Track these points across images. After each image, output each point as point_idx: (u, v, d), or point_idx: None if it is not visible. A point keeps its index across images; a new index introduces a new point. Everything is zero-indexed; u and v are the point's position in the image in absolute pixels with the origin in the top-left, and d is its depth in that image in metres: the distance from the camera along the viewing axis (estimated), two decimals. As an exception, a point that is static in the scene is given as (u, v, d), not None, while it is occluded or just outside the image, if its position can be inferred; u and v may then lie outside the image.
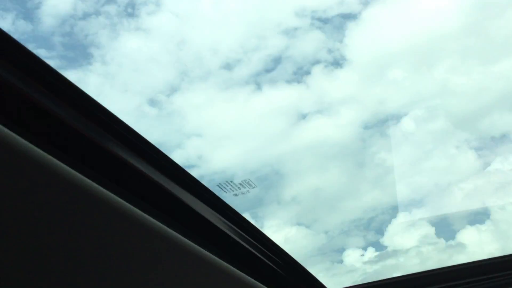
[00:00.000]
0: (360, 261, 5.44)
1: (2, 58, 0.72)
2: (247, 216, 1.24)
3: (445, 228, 5.24)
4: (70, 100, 0.81)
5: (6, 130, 0.69)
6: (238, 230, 1.22)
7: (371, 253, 5.42)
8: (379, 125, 5.92)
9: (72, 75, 0.83)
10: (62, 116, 0.80)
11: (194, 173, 1.06)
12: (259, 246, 1.30)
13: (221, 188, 1.32)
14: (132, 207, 0.97)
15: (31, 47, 0.75)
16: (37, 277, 0.77)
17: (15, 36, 0.73)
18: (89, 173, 0.88)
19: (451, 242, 5.12)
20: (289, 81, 5.94)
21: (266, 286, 1.44)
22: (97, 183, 0.89)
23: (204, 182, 1.09)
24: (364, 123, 5.91)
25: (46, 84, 0.78)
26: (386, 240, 5.41)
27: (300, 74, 5.91)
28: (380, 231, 5.61)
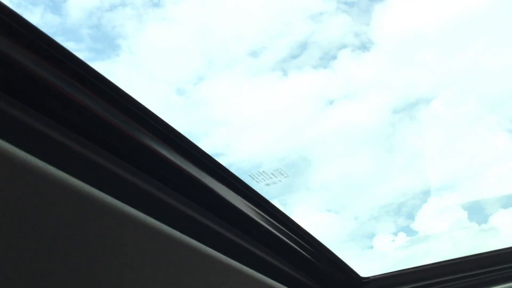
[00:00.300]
0: (391, 247, 5.39)
1: (33, 52, 0.73)
2: (276, 203, 1.24)
3: (477, 212, 5.14)
4: (100, 91, 0.82)
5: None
6: (269, 218, 1.22)
7: (402, 238, 5.36)
8: (409, 109, 5.81)
9: (100, 67, 0.83)
10: (93, 107, 0.81)
11: (222, 161, 1.06)
12: (290, 233, 1.30)
13: (253, 178, 1.33)
14: (162, 194, 0.98)
15: (60, 40, 0.76)
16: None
17: (44, 29, 0.74)
18: (118, 163, 0.89)
19: (484, 227, 5.02)
20: (315, 67, 5.88)
21: (297, 274, 1.44)
22: (128, 174, 0.90)
23: (232, 170, 1.10)
24: (393, 107, 5.81)
25: (76, 76, 0.79)
26: (417, 225, 5.34)
27: (326, 60, 5.84)
28: (411, 216, 5.54)
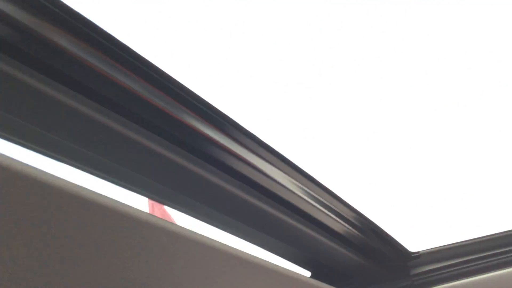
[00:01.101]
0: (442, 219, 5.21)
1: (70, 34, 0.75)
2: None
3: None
4: (140, 72, 0.84)
5: None
6: (312, 192, 1.23)
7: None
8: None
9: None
10: (133, 88, 0.83)
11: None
12: (336, 210, 1.30)
13: None
14: (205, 173, 1.01)
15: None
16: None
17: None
18: (164, 144, 0.92)
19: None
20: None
21: (348, 252, 1.44)
22: (173, 154, 0.93)
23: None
24: None
25: (115, 56, 0.80)
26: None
27: None
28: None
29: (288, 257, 1.51)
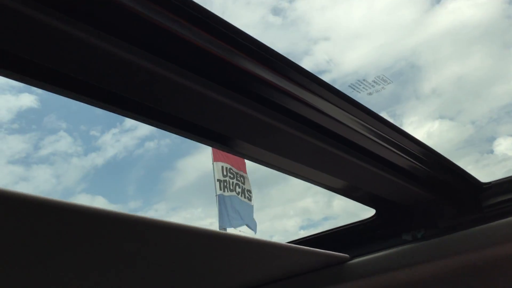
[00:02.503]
0: (513, 149, 5.02)
1: None
2: (384, 115, 1.20)
3: None
4: (197, 20, 0.83)
5: None
6: (375, 129, 1.20)
7: (527, 138, 4.94)
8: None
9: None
10: (191, 38, 0.82)
11: (325, 78, 1.04)
12: (401, 144, 1.27)
13: (354, 89, 1.26)
14: (263, 116, 1.00)
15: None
16: None
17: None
18: (221, 91, 0.91)
19: None
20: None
21: (414, 187, 1.42)
22: (228, 99, 0.92)
23: (336, 86, 1.07)
24: (509, -4, 5.17)
25: (172, 7, 0.79)
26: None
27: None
28: (535, 115, 5.06)
29: (352, 196, 1.50)
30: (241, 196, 10.76)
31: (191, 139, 1.06)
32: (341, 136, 1.16)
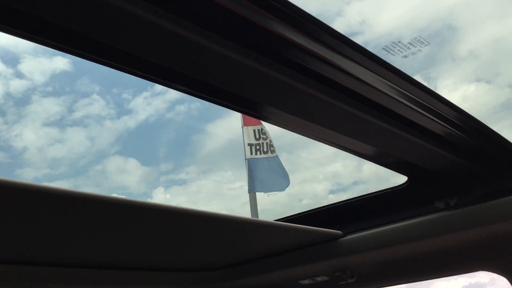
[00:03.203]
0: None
1: None
2: (417, 78, 1.14)
3: None
4: None
5: None
6: (410, 94, 1.15)
7: None
8: None
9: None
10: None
11: (358, 40, 1.00)
12: (435, 109, 1.22)
13: (388, 51, 1.20)
14: (292, 81, 0.98)
15: None
16: None
17: None
18: (249, 55, 0.89)
19: None
20: None
21: (448, 153, 1.37)
22: (257, 63, 0.90)
23: (369, 48, 1.03)
24: None
25: None
26: None
27: None
28: None
29: (384, 162, 1.47)
30: (270, 152, 10.71)
31: (221, 105, 1.05)
32: (373, 101, 1.12)
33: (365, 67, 1.04)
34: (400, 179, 1.62)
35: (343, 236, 1.72)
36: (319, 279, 1.86)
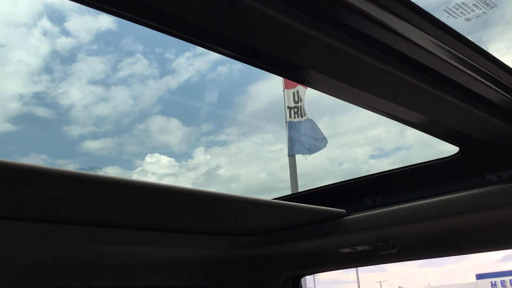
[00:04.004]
0: None
1: None
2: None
3: None
4: None
5: None
6: (465, 58, 1.07)
7: None
8: None
9: None
10: None
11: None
12: (492, 75, 1.13)
13: (449, 14, 1.11)
14: (337, 42, 0.92)
15: None
16: None
17: None
18: (293, 14, 0.84)
19: None
20: None
21: (503, 122, 1.29)
22: (300, 24, 0.85)
23: (427, 9, 0.95)
24: None
25: None
26: None
27: None
28: None
29: (433, 132, 1.40)
30: (305, 115, 10.64)
31: (264, 70, 1.01)
32: (426, 66, 1.04)
33: (420, 29, 0.96)
34: (447, 147, 1.54)
35: (386, 207, 1.68)
36: (359, 248, 1.83)
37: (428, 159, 1.63)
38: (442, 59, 1.04)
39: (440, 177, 1.61)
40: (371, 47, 0.96)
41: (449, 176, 1.59)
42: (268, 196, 1.84)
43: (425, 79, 1.09)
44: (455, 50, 1.04)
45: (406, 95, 1.14)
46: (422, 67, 1.05)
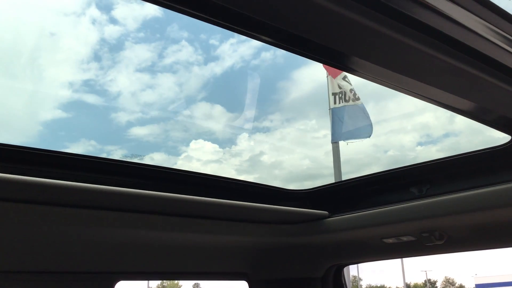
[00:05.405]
0: None
1: None
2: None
3: None
4: None
5: None
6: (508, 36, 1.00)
7: None
8: None
9: None
10: None
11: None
12: None
13: None
14: (383, 28, 0.88)
15: None
16: None
17: None
18: (343, 2, 0.81)
19: None
20: None
21: None
22: (344, 9, 0.82)
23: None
24: None
25: None
26: None
27: None
28: None
29: (484, 120, 1.34)
30: (351, 101, 10.44)
31: (308, 58, 0.99)
32: (477, 50, 0.99)
33: (471, 12, 0.91)
34: (498, 133, 1.47)
35: (433, 197, 1.63)
36: (404, 238, 1.79)
37: (478, 146, 1.56)
38: (495, 44, 0.99)
39: (490, 167, 1.55)
40: (419, 32, 0.92)
41: (501, 166, 1.53)
42: (311, 184, 1.82)
43: (476, 64, 1.04)
44: (509, 35, 0.99)
45: (455, 81, 1.10)
46: (473, 52, 1.00)
